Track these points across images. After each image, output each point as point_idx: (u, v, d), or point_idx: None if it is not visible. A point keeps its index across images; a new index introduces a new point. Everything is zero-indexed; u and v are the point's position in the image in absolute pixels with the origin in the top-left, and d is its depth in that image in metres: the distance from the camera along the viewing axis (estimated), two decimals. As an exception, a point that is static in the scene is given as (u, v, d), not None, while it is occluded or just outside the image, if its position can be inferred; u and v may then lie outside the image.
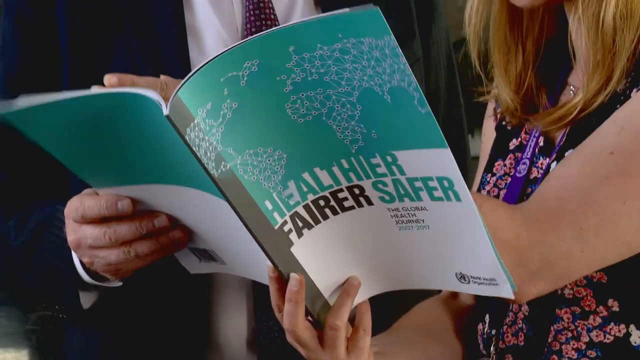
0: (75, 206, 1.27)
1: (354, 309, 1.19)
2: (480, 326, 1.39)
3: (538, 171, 1.36)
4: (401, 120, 1.06)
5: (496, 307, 1.35)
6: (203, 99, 1.06)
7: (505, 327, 1.34)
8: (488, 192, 1.41)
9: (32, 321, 3.44)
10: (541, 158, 1.36)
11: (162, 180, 1.19)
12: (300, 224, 1.14)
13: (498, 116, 1.46)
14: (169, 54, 1.52)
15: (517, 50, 1.39)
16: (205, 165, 1.07)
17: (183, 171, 1.13)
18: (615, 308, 1.26)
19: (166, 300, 1.50)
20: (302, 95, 1.07)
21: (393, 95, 1.05)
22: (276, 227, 1.12)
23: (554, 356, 1.28)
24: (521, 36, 1.39)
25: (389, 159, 1.10)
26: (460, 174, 1.08)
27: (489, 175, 1.43)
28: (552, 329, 1.28)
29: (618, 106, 1.26)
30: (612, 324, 1.26)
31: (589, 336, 1.26)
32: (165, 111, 1.05)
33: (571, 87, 1.36)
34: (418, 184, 1.10)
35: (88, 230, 1.28)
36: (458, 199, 1.09)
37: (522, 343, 1.31)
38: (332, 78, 1.05)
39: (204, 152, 1.07)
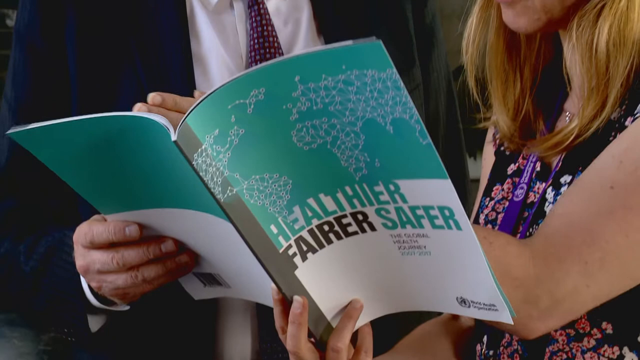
0: (84, 232, 1.28)
1: (356, 330, 1.20)
2: (478, 347, 1.40)
3: (535, 195, 1.37)
4: (403, 150, 1.07)
5: (493, 328, 1.35)
6: (211, 126, 1.07)
7: (501, 347, 1.35)
8: (486, 215, 1.43)
9: (45, 342, 3.44)
10: (538, 183, 1.37)
11: (169, 204, 1.19)
12: (305, 248, 1.15)
13: (497, 142, 1.47)
14: (175, 82, 1.53)
15: (514, 78, 1.40)
16: (212, 189, 1.08)
17: (190, 195, 1.14)
18: (609, 330, 1.27)
19: (172, 322, 1.51)
20: (308, 123, 1.08)
21: (395, 127, 1.06)
22: (281, 251, 1.13)
23: (550, 377, 1.29)
24: (519, 64, 1.40)
25: (392, 187, 1.11)
26: (460, 204, 1.09)
27: (488, 199, 1.44)
28: (547, 350, 1.29)
29: (612, 133, 1.27)
30: (606, 346, 1.27)
31: (584, 358, 1.27)
32: (174, 137, 1.06)
33: (567, 113, 1.37)
34: (420, 212, 1.11)
35: (96, 255, 1.28)
36: (459, 227, 1.10)
37: (518, 364, 1.32)
38: (337, 108, 1.06)
39: (210, 177, 1.08)
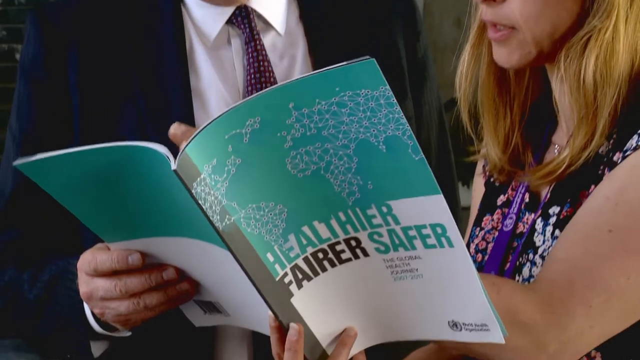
0: (88, 260, 1.30)
1: (351, 358, 1.22)
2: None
3: (524, 226, 1.39)
4: (396, 168, 1.08)
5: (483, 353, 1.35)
6: (209, 155, 1.08)
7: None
8: (477, 245, 1.44)
9: (50, 367, 3.43)
10: (527, 213, 1.39)
11: (170, 233, 1.20)
12: (300, 276, 1.16)
13: (487, 173, 1.50)
14: (174, 115, 1.54)
15: (505, 113, 1.43)
16: (211, 218, 1.09)
17: (190, 224, 1.15)
18: (598, 359, 1.29)
19: (171, 348, 1.51)
20: (302, 150, 1.09)
21: (388, 145, 1.07)
22: (277, 279, 1.14)
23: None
24: (509, 99, 1.43)
25: (384, 209, 1.12)
26: (453, 219, 1.10)
27: (478, 229, 1.46)
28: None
29: (601, 167, 1.29)
30: (596, 374, 1.29)
31: (574, 385, 1.29)
32: (173, 166, 1.07)
33: (556, 145, 1.40)
34: (412, 232, 1.13)
35: (100, 282, 1.30)
36: (451, 245, 1.11)
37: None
38: (330, 132, 1.08)
39: (209, 205, 1.09)
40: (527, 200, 1.41)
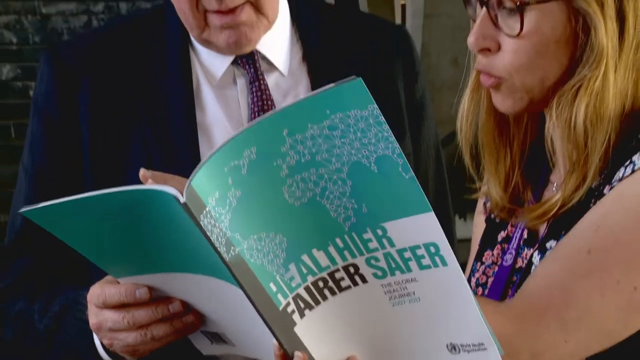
0: (97, 293, 1.32)
1: None
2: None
3: (523, 261, 1.41)
4: (388, 188, 1.09)
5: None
6: (212, 188, 1.09)
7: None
8: (477, 279, 1.46)
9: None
10: (526, 249, 1.41)
11: (176, 269, 1.21)
12: (302, 305, 1.16)
13: (487, 210, 1.52)
14: (181, 150, 1.59)
15: (505, 153, 1.45)
16: (218, 249, 1.10)
17: (195, 259, 1.16)
18: None
19: None
20: (297, 177, 1.09)
21: (379, 165, 1.08)
22: (280, 309, 1.14)
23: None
24: (508, 140, 1.45)
25: (379, 232, 1.12)
26: (445, 237, 1.11)
27: (479, 263, 1.49)
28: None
29: (593, 200, 1.31)
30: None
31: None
32: (183, 199, 1.08)
33: (554, 184, 1.42)
34: (407, 254, 1.13)
35: (108, 314, 1.32)
36: (444, 263, 1.12)
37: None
38: (323, 157, 1.08)
39: (216, 237, 1.10)
40: (525, 236, 1.43)
